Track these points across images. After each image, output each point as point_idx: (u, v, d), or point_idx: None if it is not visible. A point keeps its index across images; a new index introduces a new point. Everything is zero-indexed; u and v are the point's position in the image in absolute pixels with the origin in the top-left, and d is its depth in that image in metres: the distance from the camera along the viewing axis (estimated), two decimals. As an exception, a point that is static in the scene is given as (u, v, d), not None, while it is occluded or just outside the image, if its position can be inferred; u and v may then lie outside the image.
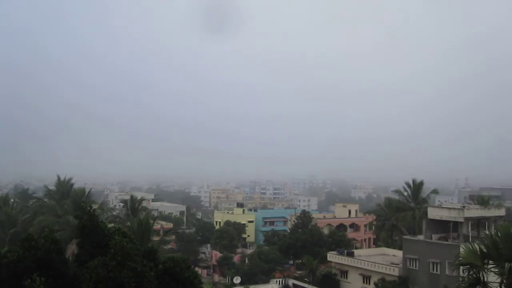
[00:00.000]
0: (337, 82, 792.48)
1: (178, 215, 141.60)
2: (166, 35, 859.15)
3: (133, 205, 74.65)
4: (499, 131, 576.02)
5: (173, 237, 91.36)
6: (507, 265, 23.97)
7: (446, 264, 56.92)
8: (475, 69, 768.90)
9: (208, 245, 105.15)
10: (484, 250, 25.84)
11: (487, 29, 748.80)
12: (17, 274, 20.22)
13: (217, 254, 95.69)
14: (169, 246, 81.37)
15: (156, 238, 64.45)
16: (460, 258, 26.80)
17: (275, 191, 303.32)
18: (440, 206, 71.30)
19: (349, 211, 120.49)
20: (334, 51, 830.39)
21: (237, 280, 75.79)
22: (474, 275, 25.78)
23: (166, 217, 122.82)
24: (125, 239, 21.42)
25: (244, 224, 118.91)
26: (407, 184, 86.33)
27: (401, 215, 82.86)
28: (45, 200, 76.48)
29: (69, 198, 68.18)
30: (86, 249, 22.30)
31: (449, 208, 64.64)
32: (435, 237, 63.31)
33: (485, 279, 25.64)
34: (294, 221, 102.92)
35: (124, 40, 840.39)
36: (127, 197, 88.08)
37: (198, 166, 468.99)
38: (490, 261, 25.73)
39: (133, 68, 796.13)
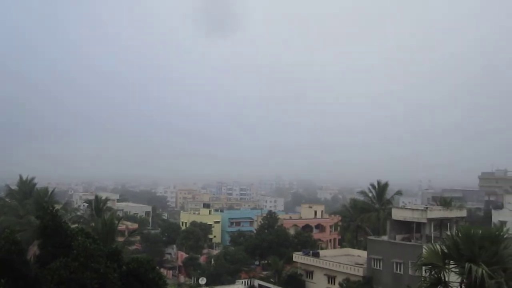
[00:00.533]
0: (304, 91, 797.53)
1: (144, 215, 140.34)
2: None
3: (98, 206, 73.59)
4: (463, 132, 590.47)
5: (138, 237, 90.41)
6: (467, 265, 24.45)
7: (409, 264, 57.80)
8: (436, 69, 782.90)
9: (174, 245, 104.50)
10: (445, 250, 26.32)
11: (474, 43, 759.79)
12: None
13: (182, 255, 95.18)
14: (134, 247, 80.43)
15: (120, 239, 63.65)
16: (422, 259, 27.22)
17: (241, 192, 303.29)
18: (403, 207, 72.41)
19: (315, 212, 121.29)
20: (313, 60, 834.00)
21: (202, 281, 75.55)
22: (436, 275, 26.23)
23: (132, 218, 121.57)
24: (88, 240, 21.14)
25: (211, 224, 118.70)
26: (372, 185, 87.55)
27: (366, 216, 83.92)
28: (7, 200, 74.71)
29: (31, 198, 66.78)
30: (48, 250, 21.94)
31: (413, 209, 65.71)
32: (398, 237, 64.26)
33: (446, 279, 26.15)
34: (260, 221, 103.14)
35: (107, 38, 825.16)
36: (92, 197, 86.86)
37: (165, 166, 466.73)
38: (451, 261, 26.23)
39: (113, 68, 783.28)
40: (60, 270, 19.63)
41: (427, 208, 65.93)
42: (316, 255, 75.05)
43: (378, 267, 64.52)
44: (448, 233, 39.20)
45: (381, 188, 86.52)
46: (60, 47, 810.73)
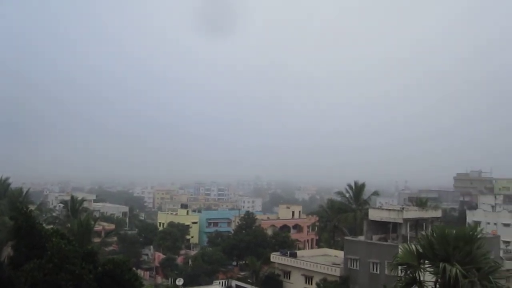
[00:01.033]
0: (279, 93, 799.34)
1: (121, 216, 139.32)
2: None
3: (74, 206, 73.03)
4: (440, 137, 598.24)
5: (115, 238, 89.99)
6: (441, 265, 24.80)
7: (386, 264, 58.25)
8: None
9: (151, 246, 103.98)
10: (421, 250, 26.67)
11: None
12: None
13: (160, 256, 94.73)
14: (110, 248, 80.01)
15: (97, 240, 63.21)
16: (398, 258, 27.52)
17: (219, 192, 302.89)
18: (380, 208, 73.05)
19: (293, 213, 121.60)
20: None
21: (179, 281, 75.07)
22: (411, 275, 26.56)
23: (108, 218, 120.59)
24: (63, 241, 20.94)
25: (188, 225, 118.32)
26: (349, 186, 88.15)
27: (343, 216, 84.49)
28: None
29: (5, 198, 65.94)
30: (22, 251, 21.67)
31: (389, 210, 66.33)
32: (375, 237, 64.79)
33: (421, 279, 26.46)
34: (238, 222, 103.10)
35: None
36: (68, 198, 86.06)
37: (142, 167, 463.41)
38: (426, 261, 26.57)
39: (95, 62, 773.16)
40: (34, 271, 19.40)
41: (403, 208, 66.63)
42: (294, 255, 75.24)
43: (355, 267, 64.95)
44: (424, 233, 39.65)
45: (358, 189, 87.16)
46: (58, 45, 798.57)
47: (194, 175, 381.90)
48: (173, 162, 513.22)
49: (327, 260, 72.87)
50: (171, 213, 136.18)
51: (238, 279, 76.85)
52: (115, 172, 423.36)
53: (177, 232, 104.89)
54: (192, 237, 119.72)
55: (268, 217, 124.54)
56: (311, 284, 69.01)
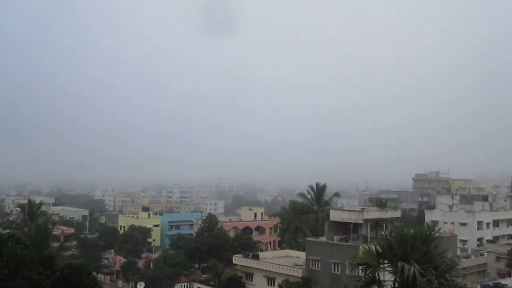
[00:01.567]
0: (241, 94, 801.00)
1: (81, 219, 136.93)
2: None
3: (31, 210, 71.54)
4: (398, 136, 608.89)
5: (75, 242, 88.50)
6: (400, 264, 25.27)
7: (347, 264, 58.92)
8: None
9: (112, 250, 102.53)
10: (380, 250, 27.10)
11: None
12: None
13: (121, 260, 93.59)
14: (70, 253, 78.60)
15: (55, 245, 62.04)
16: (358, 259, 27.90)
17: (181, 195, 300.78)
18: (341, 209, 73.80)
19: (255, 214, 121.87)
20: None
21: (141, 285, 74.33)
22: (370, 275, 26.97)
23: (68, 222, 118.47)
24: (20, 246, 20.45)
25: (150, 228, 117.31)
26: (311, 187, 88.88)
27: (305, 217, 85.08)
28: None
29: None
30: (-24, 257, 21.01)
31: (350, 210, 67.11)
32: (336, 238, 65.43)
33: (381, 278, 26.89)
34: (200, 224, 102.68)
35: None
36: (25, 201, 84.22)
37: (103, 169, 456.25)
38: (385, 261, 27.02)
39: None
40: (-12, 278, 18.88)
41: (363, 209, 67.54)
42: (256, 257, 75.32)
43: (316, 268, 65.44)
44: (383, 233, 40.28)
45: (320, 190, 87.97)
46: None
47: (156, 177, 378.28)
48: (134, 165, 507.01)
49: (289, 261, 73.19)
50: (132, 216, 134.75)
51: (201, 282, 76.56)
52: (75, 175, 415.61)
53: (139, 235, 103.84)
54: (153, 240, 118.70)
55: (230, 219, 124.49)
56: (274, 285, 69.20)
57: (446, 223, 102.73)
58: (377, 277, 26.75)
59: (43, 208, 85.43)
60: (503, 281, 65.63)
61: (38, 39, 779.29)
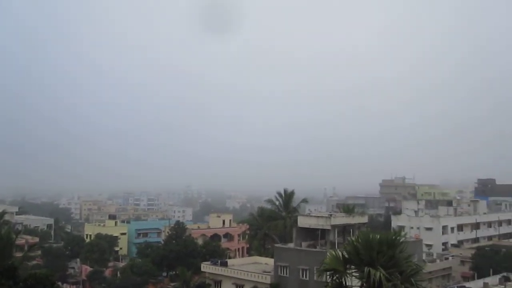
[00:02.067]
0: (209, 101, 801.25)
1: (45, 228, 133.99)
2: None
3: (-6, 219, 69.73)
4: (365, 143, 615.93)
5: (39, 252, 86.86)
6: (366, 269, 25.54)
7: (314, 270, 59.15)
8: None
9: (78, 259, 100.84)
10: (346, 256, 27.35)
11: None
12: None
13: (87, 269, 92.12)
14: (34, 262, 76.94)
15: (19, 254, 60.38)
16: (325, 264, 28.08)
17: (149, 202, 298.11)
18: (309, 215, 74.08)
19: (223, 221, 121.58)
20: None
21: (107, 295, 73.37)
22: (337, 280, 27.18)
23: (32, 231, 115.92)
24: (-19, 257, 19.95)
25: (117, 236, 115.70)
26: (279, 193, 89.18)
27: (273, 224, 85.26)
28: None
29: None
30: None
31: (317, 217, 67.45)
32: (304, 244, 65.70)
33: (348, 284, 27.12)
34: (168, 232, 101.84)
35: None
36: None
37: (69, 177, 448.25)
38: (352, 266, 27.27)
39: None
40: None
41: (331, 215, 67.93)
42: (224, 264, 75.07)
43: (285, 274, 65.54)
44: (350, 239, 40.66)
45: (288, 196, 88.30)
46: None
47: (123, 185, 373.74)
48: (100, 173, 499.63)
49: (257, 268, 73.14)
50: (99, 225, 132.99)
51: (168, 290, 75.89)
52: (39, 183, 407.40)
53: (105, 244, 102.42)
54: (120, 248, 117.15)
55: (198, 227, 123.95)
56: (242, 292, 69.11)
57: (412, 228, 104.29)
58: (344, 283, 26.98)
59: (6, 217, 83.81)
60: (467, 284, 66.94)
61: (25, 49, 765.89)
